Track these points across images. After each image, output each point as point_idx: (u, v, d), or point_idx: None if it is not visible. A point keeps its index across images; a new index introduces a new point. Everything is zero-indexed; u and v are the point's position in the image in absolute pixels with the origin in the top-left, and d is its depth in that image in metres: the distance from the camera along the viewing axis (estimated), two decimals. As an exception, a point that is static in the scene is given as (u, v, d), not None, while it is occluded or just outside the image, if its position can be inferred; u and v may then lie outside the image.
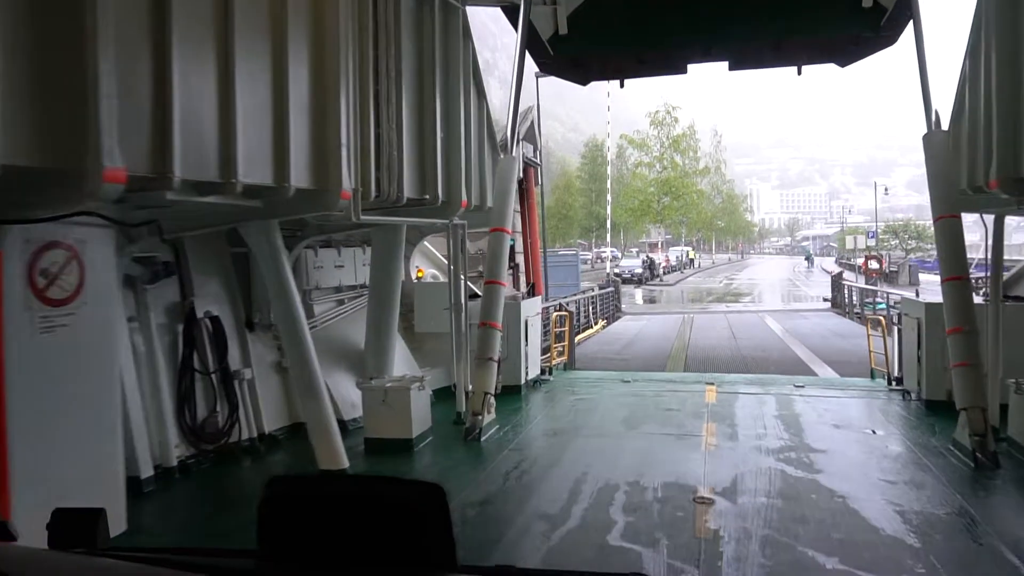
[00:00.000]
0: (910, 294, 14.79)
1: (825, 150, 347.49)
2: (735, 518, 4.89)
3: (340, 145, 5.54)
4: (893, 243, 36.79)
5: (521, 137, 15.22)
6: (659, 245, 52.46)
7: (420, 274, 9.81)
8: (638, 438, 7.04)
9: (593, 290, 24.55)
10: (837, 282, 24.12)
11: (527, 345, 9.58)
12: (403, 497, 0.94)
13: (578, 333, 18.01)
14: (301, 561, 0.95)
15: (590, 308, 22.23)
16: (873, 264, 26.03)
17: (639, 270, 42.71)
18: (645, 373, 11.02)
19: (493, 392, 7.66)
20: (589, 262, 68.87)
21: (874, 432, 7.10)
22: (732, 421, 7.56)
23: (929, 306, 8.00)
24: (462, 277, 8.31)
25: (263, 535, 0.98)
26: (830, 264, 73.84)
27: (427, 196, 7.03)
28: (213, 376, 7.00)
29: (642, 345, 15.66)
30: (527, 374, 9.58)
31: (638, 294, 37.62)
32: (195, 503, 5.80)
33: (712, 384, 9.48)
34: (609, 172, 30.29)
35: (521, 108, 17.44)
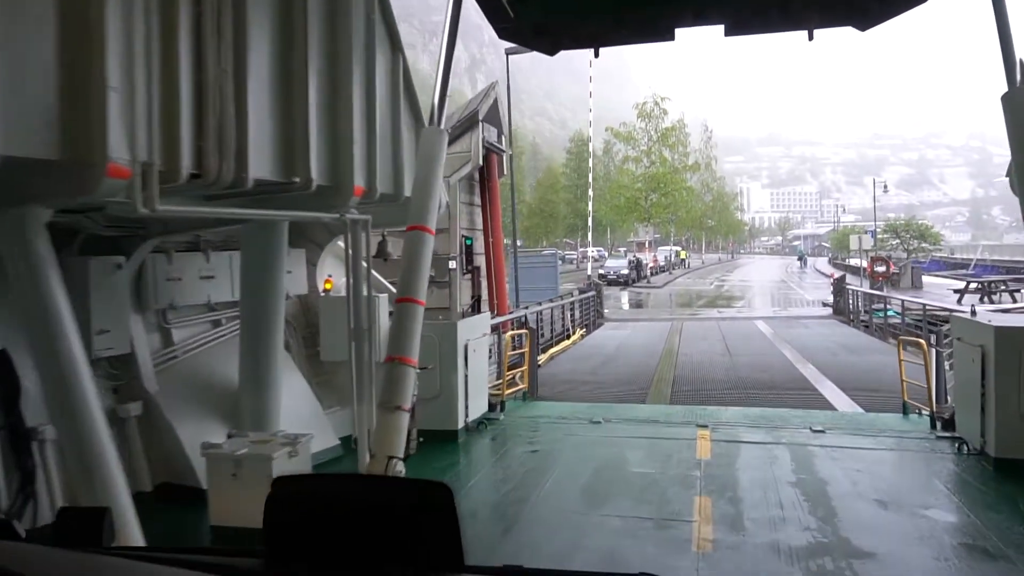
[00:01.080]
0: (963, 309, 12.79)
1: (815, 148, 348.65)
2: None
3: (107, 90, 3.44)
4: (894, 243, 34.97)
5: (482, 117, 13.14)
6: (647, 244, 50.52)
7: (328, 286, 7.70)
8: (601, 525, 4.99)
9: (573, 294, 22.52)
10: (840, 286, 22.21)
11: (468, 377, 7.52)
12: (410, 496, 0.93)
13: (551, 346, 15.98)
14: (307, 561, 0.93)
15: (568, 315, 20.23)
16: (880, 267, 24.17)
17: (625, 271, 40.69)
18: (622, 407, 8.98)
19: (403, 455, 5.57)
20: (575, 261, 67.10)
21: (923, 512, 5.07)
22: (734, 493, 5.52)
23: (1002, 331, 5.97)
24: (367, 290, 6.20)
25: (269, 535, 0.96)
26: (823, 264, 72.34)
27: (296, 179, 4.92)
28: (-5, 436, 4.93)
29: (623, 362, 13.63)
30: (467, 415, 7.51)
31: (624, 297, 35.65)
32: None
33: (705, 428, 7.43)
34: (591, 164, 28.18)
35: (484, 83, 15.22)
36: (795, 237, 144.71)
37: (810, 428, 7.47)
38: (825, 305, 26.87)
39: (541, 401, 9.57)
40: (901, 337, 9.63)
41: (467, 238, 12.83)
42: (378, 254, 7.40)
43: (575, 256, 69.60)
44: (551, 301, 19.92)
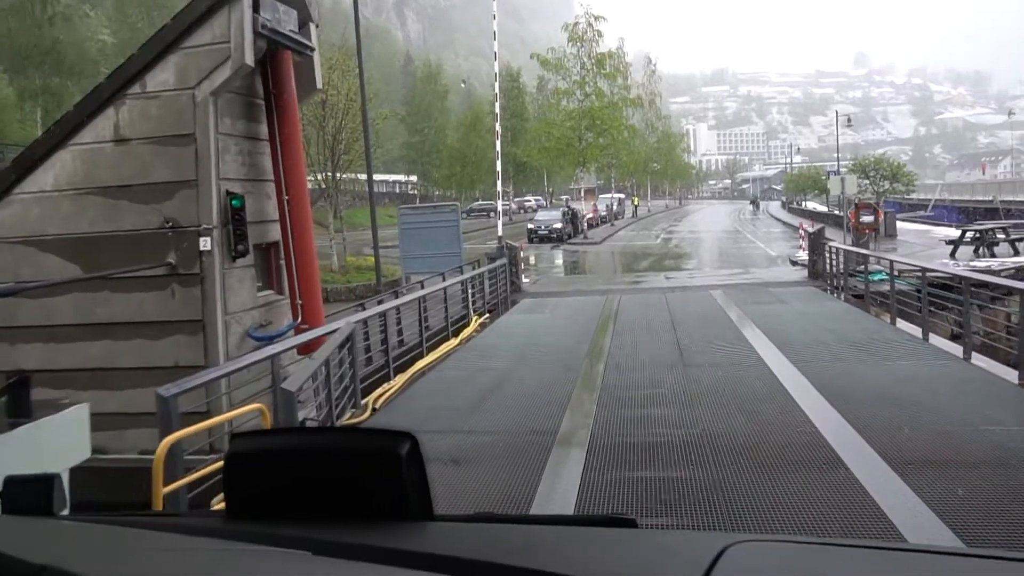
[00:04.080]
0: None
1: (761, 88, 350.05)
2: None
3: None
4: (863, 183, 31.09)
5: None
6: (582, 192, 45.71)
7: None
8: None
9: (478, 264, 17.62)
10: (819, 242, 17.87)
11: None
12: (375, 447, 0.89)
13: (419, 358, 11.08)
14: (270, 515, 0.90)
15: (469, 292, 15.38)
16: (866, 216, 19.96)
17: (558, 225, 35.85)
18: None
19: None
20: (509, 214, 62.11)
21: None
22: None
23: None
24: None
25: (229, 493, 0.94)
26: (777, 209, 69.23)
27: None
28: None
29: (515, 392, 8.77)
30: None
31: (557, 258, 30.96)
32: None
33: None
34: (498, 89, 22.91)
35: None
36: (744, 180, 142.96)
37: None
38: (794, 264, 22.72)
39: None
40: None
41: (234, 197, 7.61)
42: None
43: (510, 207, 64.57)
44: (443, 278, 15.04)
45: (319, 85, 8.97)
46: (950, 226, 31.41)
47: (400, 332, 12.59)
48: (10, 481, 1.10)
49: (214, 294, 7.39)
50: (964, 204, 52.66)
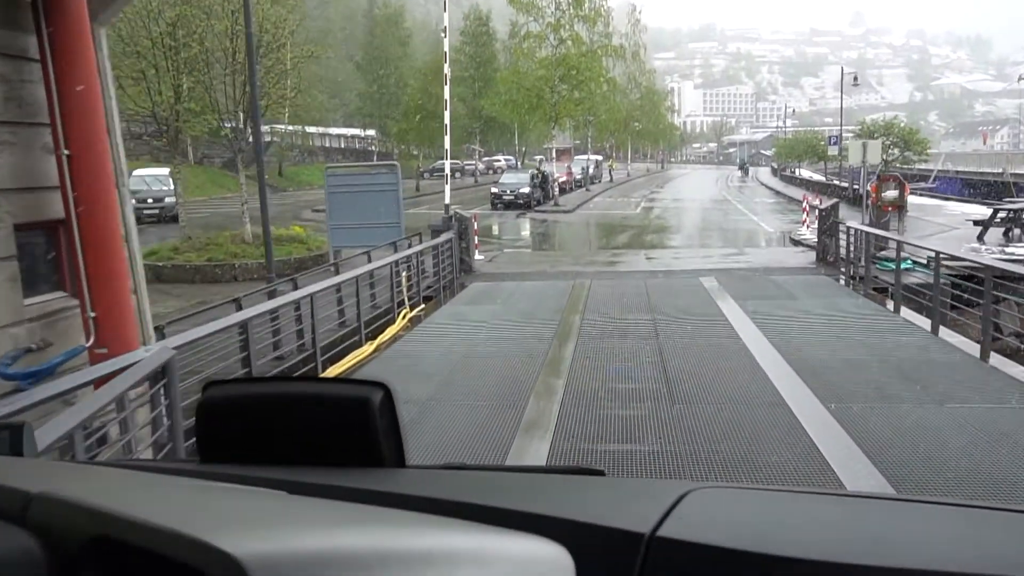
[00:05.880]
0: None
1: (752, 45, 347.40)
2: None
3: None
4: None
5: None
6: (554, 153, 43.06)
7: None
8: None
9: (417, 239, 15.15)
10: (831, 221, 15.59)
11: None
12: (349, 396, 0.93)
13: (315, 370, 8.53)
14: (243, 462, 0.94)
15: (404, 278, 12.96)
16: (890, 191, 17.70)
17: (526, 190, 33.21)
18: None
19: None
20: (475, 174, 59.26)
21: None
22: None
23: None
24: None
25: (202, 442, 0.98)
26: (767, 175, 67.39)
27: None
28: None
29: (435, 437, 6.36)
30: None
31: (523, 228, 28.49)
32: None
33: None
34: (446, 21, 20.00)
35: None
36: (730, 144, 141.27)
37: None
38: (796, 243, 20.59)
39: None
40: None
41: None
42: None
43: (474, 167, 61.65)
44: (369, 259, 12.62)
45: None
46: (967, 201, 29.56)
47: (300, 335, 10.12)
48: None
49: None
50: (969, 176, 51.07)
